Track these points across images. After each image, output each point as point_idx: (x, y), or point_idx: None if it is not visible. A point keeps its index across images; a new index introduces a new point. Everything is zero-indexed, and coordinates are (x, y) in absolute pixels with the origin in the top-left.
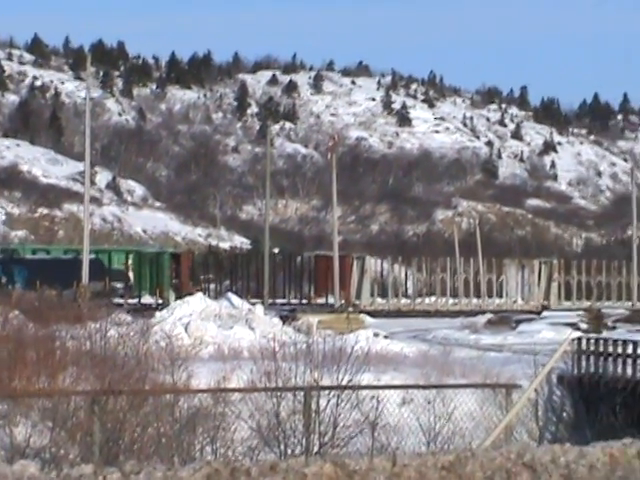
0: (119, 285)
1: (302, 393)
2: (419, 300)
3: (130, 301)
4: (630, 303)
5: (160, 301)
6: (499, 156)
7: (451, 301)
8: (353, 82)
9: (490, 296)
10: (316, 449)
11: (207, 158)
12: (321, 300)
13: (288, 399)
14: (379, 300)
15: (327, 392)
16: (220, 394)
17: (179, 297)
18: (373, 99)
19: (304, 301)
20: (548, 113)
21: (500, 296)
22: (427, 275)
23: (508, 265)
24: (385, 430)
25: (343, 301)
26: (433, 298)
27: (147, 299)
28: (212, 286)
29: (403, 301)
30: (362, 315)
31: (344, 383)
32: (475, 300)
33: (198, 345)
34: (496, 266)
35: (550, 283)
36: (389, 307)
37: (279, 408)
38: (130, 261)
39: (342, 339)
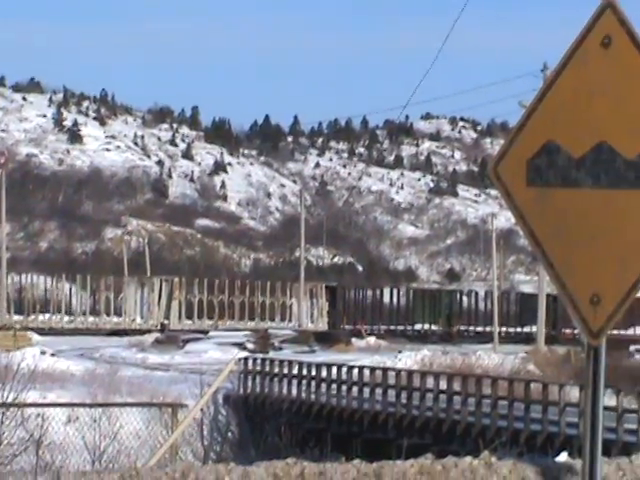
0: None
1: None
2: (32, 317)
3: None
4: (297, 323)
5: None
6: (169, 175)
7: (66, 318)
8: (24, 98)
9: (108, 314)
10: None
11: None
12: None
13: None
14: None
15: None
16: None
17: None
18: (44, 116)
19: None
20: (219, 133)
21: (119, 314)
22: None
23: (127, 283)
24: (50, 448)
25: None
26: (48, 315)
27: None
28: None
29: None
30: (29, 332)
31: (9, 401)
32: (91, 318)
33: None
34: (116, 284)
35: (171, 302)
36: (61, 325)
37: None
38: None
39: (8, 356)
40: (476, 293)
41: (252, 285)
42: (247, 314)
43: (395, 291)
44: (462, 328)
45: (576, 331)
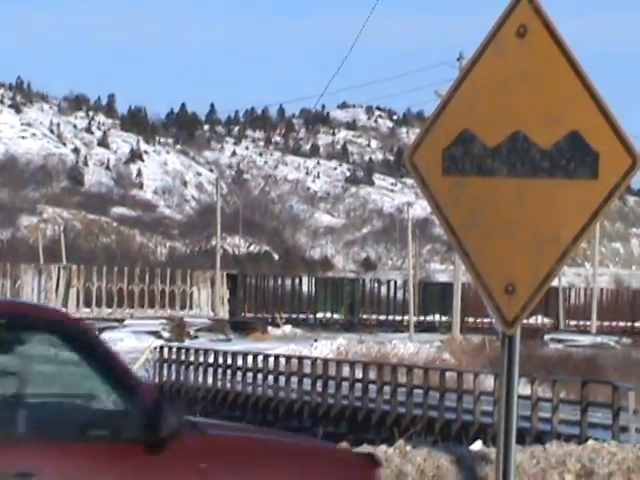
0: None
1: None
2: None
3: None
4: (212, 312)
5: None
6: (85, 163)
7: None
8: None
9: None
10: None
11: None
12: None
13: None
14: None
15: None
16: None
17: None
18: None
19: None
20: (135, 121)
21: None
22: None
23: (24, 270)
24: None
25: None
26: None
27: None
28: None
29: None
30: None
31: None
32: None
33: None
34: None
35: (69, 290)
36: None
37: None
38: None
39: None
40: (378, 281)
41: (152, 272)
42: (147, 302)
43: (298, 279)
44: (365, 317)
45: (478, 320)
